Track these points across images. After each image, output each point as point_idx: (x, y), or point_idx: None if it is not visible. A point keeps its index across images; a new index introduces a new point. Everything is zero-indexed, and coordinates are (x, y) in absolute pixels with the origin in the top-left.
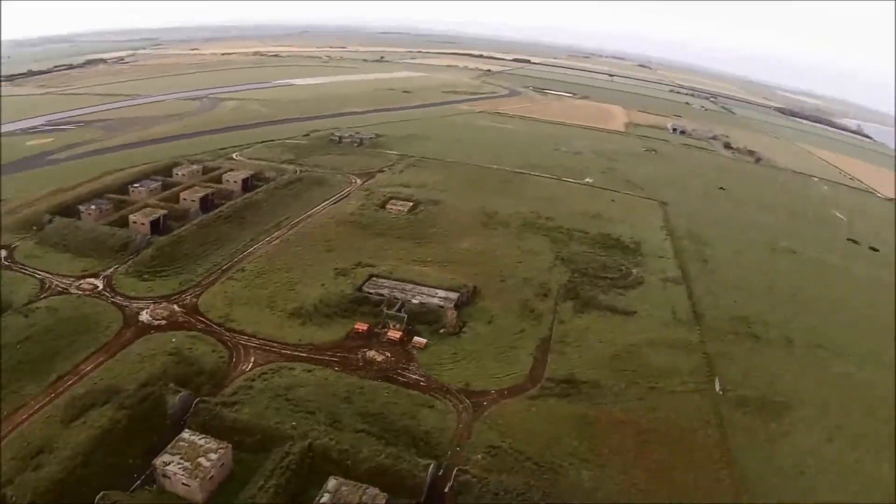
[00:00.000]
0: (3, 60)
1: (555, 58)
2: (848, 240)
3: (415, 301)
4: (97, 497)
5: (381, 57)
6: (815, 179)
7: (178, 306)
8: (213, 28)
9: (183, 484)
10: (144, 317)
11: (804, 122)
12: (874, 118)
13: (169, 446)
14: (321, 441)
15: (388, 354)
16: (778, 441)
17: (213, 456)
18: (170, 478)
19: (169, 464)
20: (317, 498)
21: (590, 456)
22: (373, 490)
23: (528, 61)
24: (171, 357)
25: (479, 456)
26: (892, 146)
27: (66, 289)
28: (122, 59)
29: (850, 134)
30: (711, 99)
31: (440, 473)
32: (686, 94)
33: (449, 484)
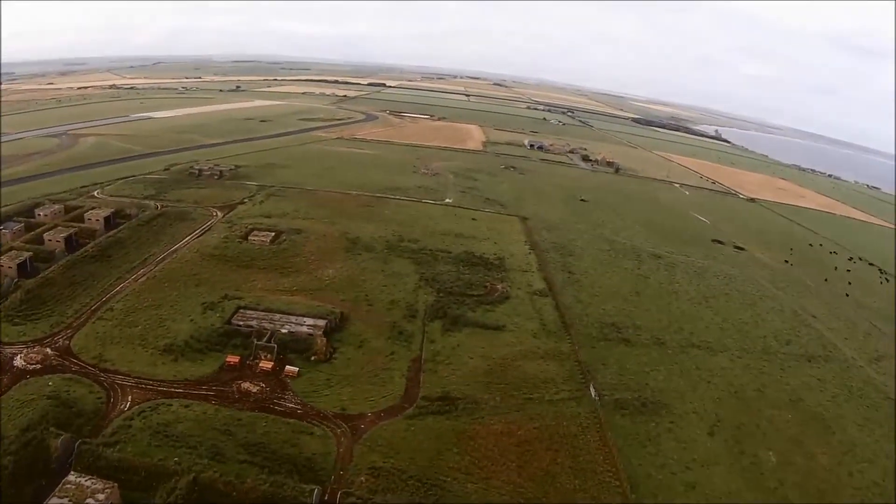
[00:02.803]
0: None
1: (409, 80)
2: (712, 240)
3: (284, 330)
4: None
5: (238, 87)
6: (677, 185)
7: (52, 349)
8: (65, 61)
9: None
10: (18, 362)
11: (662, 130)
12: (732, 123)
13: (56, 490)
14: (206, 474)
15: (263, 385)
16: (660, 439)
17: (101, 496)
18: None
19: None
20: None
21: (473, 469)
22: None
23: (384, 85)
24: (49, 401)
25: (363, 478)
26: (752, 149)
27: None
28: None
29: (708, 139)
30: (569, 113)
31: (325, 498)
32: (543, 109)
33: None
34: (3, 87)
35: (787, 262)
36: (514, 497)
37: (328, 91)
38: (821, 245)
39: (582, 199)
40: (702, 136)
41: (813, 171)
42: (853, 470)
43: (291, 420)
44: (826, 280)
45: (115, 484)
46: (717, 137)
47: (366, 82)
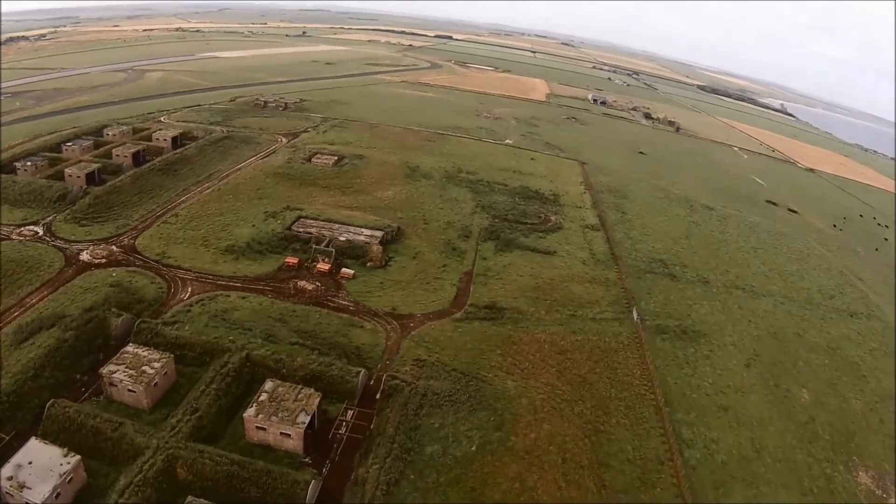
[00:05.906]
0: None
1: (477, 34)
2: (767, 201)
3: (342, 238)
4: (47, 405)
5: (303, 32)
6: (735, 149)
7: (117, 247)
8: (131, 6)
9: (129, 391)
10: (85, 256)
11: (727, 99)
12: (799, 100)
13: (114, 358)
14: (258, 352)
15: (319, 284)
16: (697, 364)
17: (157, 364)
18: (116, 386)
19: (114, 372)
20: (255, 396)
21: (514, 370)
22: (307, 389)
23: (451, 37)
24: (112, 288)
25: (408, 367)
26: (816, 125)
27: (7, 235)
28: (44, 36)
29: (773, 112)
30: (634, 76)
31: (371, 382)
32: (609, 70)
33: (380, 389)
34: (65, 29)
35: (835, 226)
36: (551, 396)
37: (394, 40)
38: (873, 218)
39: (640, 152)
40: (766, 108)
41: (876, 151)
42: (885, 418)
43: (344, 315)
44: (877, 249)
45: (171, 354)
46: (783, 111)
47: (432, 34)
